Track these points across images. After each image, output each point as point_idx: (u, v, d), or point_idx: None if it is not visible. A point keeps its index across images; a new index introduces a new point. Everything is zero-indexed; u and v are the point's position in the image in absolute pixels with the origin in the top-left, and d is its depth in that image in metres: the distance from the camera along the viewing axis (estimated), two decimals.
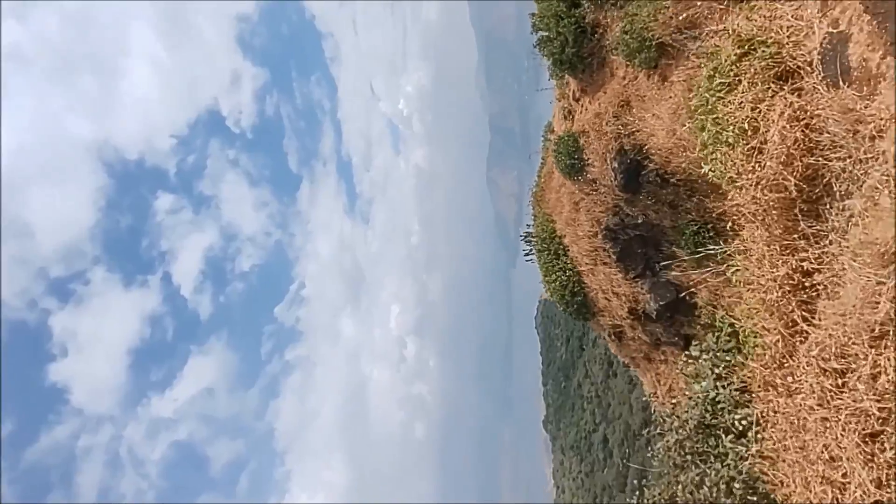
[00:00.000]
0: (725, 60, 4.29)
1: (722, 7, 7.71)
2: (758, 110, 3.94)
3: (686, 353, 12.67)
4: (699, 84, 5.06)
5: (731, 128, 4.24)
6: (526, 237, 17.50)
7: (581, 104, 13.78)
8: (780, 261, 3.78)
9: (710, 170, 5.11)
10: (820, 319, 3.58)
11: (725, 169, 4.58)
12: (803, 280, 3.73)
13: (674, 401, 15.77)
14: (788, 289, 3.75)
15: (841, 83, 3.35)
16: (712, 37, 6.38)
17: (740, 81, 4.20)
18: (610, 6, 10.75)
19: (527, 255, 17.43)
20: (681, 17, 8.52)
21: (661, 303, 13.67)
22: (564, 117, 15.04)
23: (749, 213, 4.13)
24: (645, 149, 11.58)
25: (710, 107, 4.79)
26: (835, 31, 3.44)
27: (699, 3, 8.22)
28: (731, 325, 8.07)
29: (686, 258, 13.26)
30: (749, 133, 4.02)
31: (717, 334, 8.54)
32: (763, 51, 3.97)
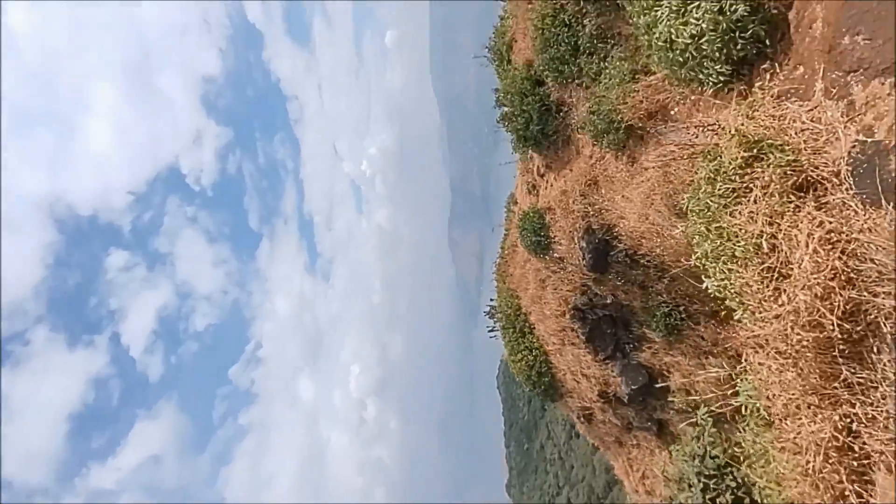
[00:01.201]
0: (730, 164, 3.74)
1: (694, 97, 7.35)
2: (776, 226, 3.34)
3: (669, 450, 11.75)
4: (697, 185, 4.50)
5: (742, 243, 3.63)
6: (490, 313, 16.65)
7: (546, 180, 13.43)
8: (821, 416, 3.07)
9: (714, 287, 4.46)
10: (881, 499, 2.83)
11: (738, 292, 3.94)
12: (850, 442, 3.01)
13: (647, 489, 14.74)
14: (834, 453, 3.01)
15: (883, 202, 2.77)
16: (702, 131, 5.93)
17: (750, 190, 3.62)
18: (575, 86, 10.53)
19: (491, 331, 16.51)
20: (650, 103, 8.17)
21: (632, 387, 12.90)
22: (528, 192, 14.67)
23: (775, 351, 3.43)
24: (614, 229, 11.14)
25: (711, 214, 4.20)
26: (868, 139, 2.90)
27: (669, 90, 7.90)
28: (722, 437, 7.26)
29: (658, 340, 12.68)
30: (765, 252, 3.41)
31: (703, 442, 7.67)
32: (778, 157, 3.43)
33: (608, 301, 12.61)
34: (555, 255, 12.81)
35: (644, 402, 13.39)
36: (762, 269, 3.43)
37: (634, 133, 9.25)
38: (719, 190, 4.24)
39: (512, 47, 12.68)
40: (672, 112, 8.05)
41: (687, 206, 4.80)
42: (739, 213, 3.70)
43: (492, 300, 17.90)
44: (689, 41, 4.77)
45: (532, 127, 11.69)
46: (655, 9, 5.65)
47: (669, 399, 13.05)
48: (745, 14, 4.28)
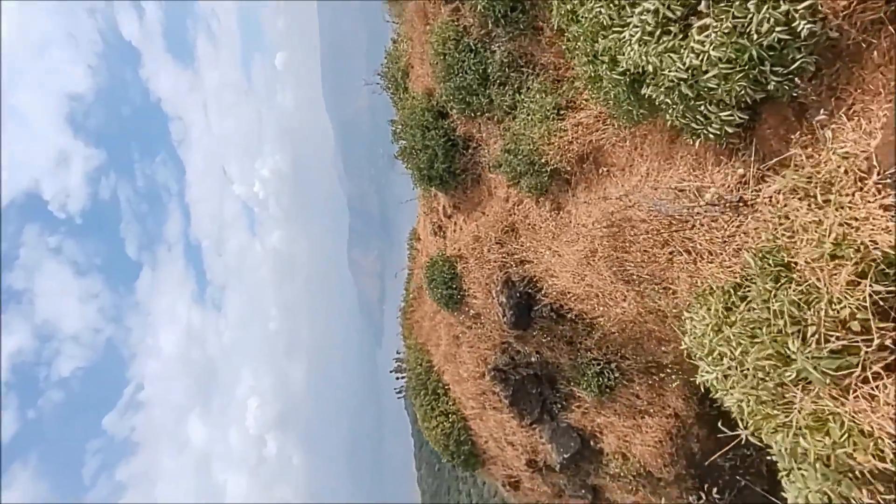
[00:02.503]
0: (762, 290, 2.29)
1: (638, 139, 5.87)
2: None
3: None
4: (705, 299, 3.01)
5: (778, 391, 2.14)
6: (398, 369, 14.52)
7: (454, 222, 11.70)
8: None
9: (750, 430, 3.01)
10: None
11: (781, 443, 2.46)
12: None
13: None
14: None
15: None
16: (729, 208, 4.40)
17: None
18: (485, 119, 8.91)
19: (399, 392, 14.38)
20: (581, 145, 6.63)
21: (564, 455, 11.43)
22: (434, 233, 12.86)
23: None
24: (537, 282, 9.62)
25: (735, 343, 2.68)
26: None
27: (604, 129, 6.40)
28: None
29: (588, 399, 11.35)
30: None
31: None
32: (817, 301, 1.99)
33: (532, 360, 11.09)
34: (469, 310, 11.07)
35: (577, 467, 11.99)
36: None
37: (558, 176, 7.77)
38: (742, 317, 2.68)
39: (408, 74, 10.89)
40: (608, 157, 6.60)
41: (698, 322, 3.21)
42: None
43: (398, 353, 15.82)
44: (683, 76, 3.22)
45: (437, 165, 9.92)
46: (610, 31, 4.03)
47: (604, 462, 11.78)
48: (788, 37, 2.81)
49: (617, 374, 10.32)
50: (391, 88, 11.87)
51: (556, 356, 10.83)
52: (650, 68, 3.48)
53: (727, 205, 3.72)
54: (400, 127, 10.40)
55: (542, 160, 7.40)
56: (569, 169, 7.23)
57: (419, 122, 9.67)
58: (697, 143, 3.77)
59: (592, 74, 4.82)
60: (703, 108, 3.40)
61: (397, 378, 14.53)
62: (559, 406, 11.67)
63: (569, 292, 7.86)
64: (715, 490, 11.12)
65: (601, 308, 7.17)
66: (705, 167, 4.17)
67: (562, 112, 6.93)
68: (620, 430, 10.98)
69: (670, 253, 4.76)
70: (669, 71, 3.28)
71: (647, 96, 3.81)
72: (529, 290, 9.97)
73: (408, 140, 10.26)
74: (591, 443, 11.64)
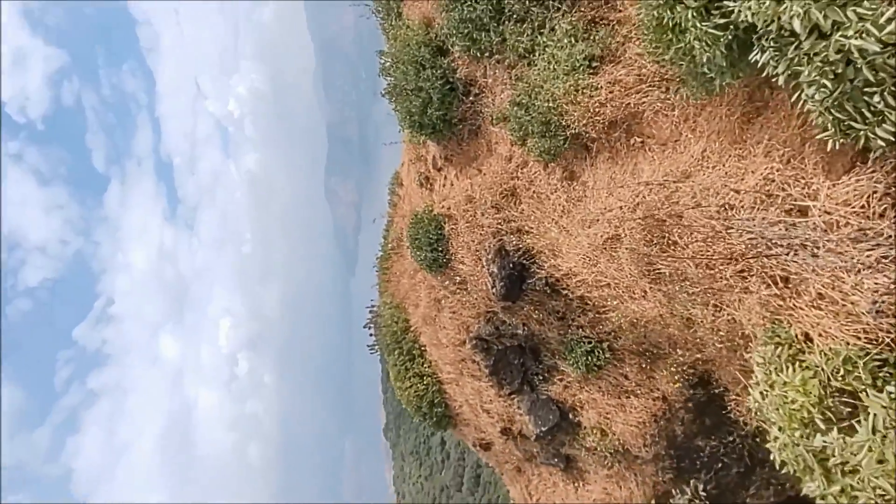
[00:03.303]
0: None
1: (694, 105, 4.76)
2: None
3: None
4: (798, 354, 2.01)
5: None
6: (372, 323, 13.69)
7: (444, 175, 10.48)
8: None
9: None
10: None
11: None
12: None
13: None
14: None
15: None
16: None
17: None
18: (494, 62, 7.54)
19: (371, 347, 13.62)
20: (615, 109, 5.46)
21: (542, 428, 10.96)
22: (420, 184, 11.63)
23: None
24: (534, 255, 8.65)
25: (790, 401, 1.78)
26: None
27: (650, 93, 5.23)
28: None
29: (572, 374, 10.75)
30: None
31: None
32: None
33: (518, 331, 10.32)
34: (455, 276, 10.11)
35: (552, 437, 11.60)
36: None
37: (577, 141, 6.59)
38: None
39: None
40: (647, 126, 5.46)
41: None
42: None
43: (372, 303, 14.94)
44: (875, 48, 2.10)
45: (431, 111, 8.59)
46: None
47: (581, 435, 11.39)
48: None
49: (608, 354, 9.66)
50: (382, 12, 10.20)
51: (544, 330, 10.07)
52: (794, 24, 2.31)
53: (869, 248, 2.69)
54: (390, 61, 8.91)
55: (562, 121, 6.20)
56: (593, 135, 6.05)
57: (413, 58, 8.22)
58: (836, 145, 2.70)
59: (659, 20, 3.59)
60: (878, 100, 2.31)
61: (370, 334, 13.72)
62: (541, 378, 11.08)
63: (575, 275, 6.90)
64: (694, 470, 10.92)
65: (613, 301, 6.26)
66: (813, 169, 3.10)
67: (595, 64, 5.67)
68: (603, 407, 10.49)
69: (740, 272, 3.77)
70: (848, 38, 2.15)
71: (754, 63, 2.68)
72: (523, 262, 9.02)
73: (398, 78, 8.82)
74: (570, 416, 11.19)
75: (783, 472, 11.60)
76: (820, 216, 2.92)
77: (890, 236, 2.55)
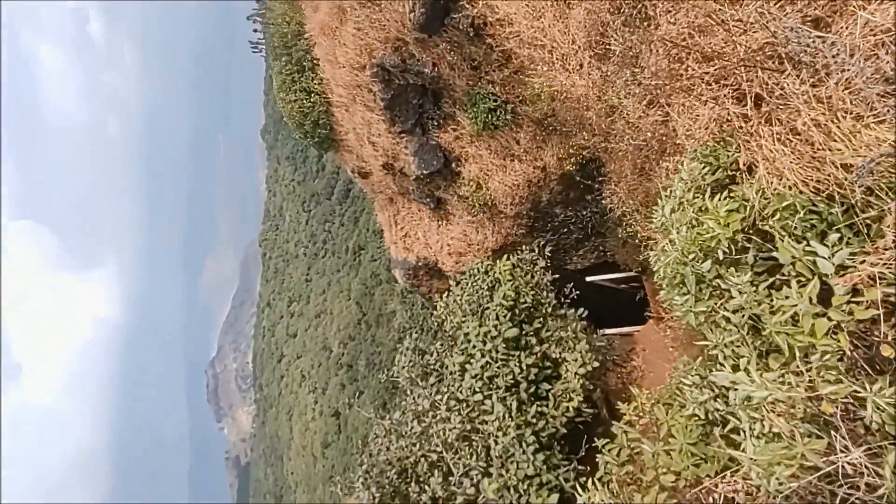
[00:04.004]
0: None
1: None
2: None
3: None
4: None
5: None
6: (258, 17, 11.72)
7: None
8: None
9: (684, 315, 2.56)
10: None
11: None
12: None
13: (409, 255, 14.75)
14: None
15: None
16: None
17: None
18: None
19: (254, 46, 11.94)
20: None
21: (424, 171, 11.14)
22: None
23: None
24: None
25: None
26: None
27: None
28: None
29: (467, 128, 10.54)
30: None
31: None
32: None
33: (425, 70, 9.45)
34: None
35: (431, 179, 11.95)
36: None
37: None
38: None
39: None
40: None
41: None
42: None
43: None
44: None
45: None
46: None
47: (458, 184, 11.87)
48: None
49: (509, 117, 9.47)
50: None
51: (453, 76, 9.37)
52: None
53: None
54: None
55: None
56: None
57: None
58: None
59: None
60: None
61: (255, 30, 11.74)
62: (435, 124, 10.79)
63: (510, 24, 6.07)
64: (544, 230, 12.31)
65: (542, 66, 5.70)
66: None
67: None
68: (486, 164, 10.79)
69: (715, 77, 3.30)
70: None
71: None
72: None
73: None
74: (453, 165, 11.43)
75: (610, 242, 13.38)
76: (846, 38, 2.52)
77: None
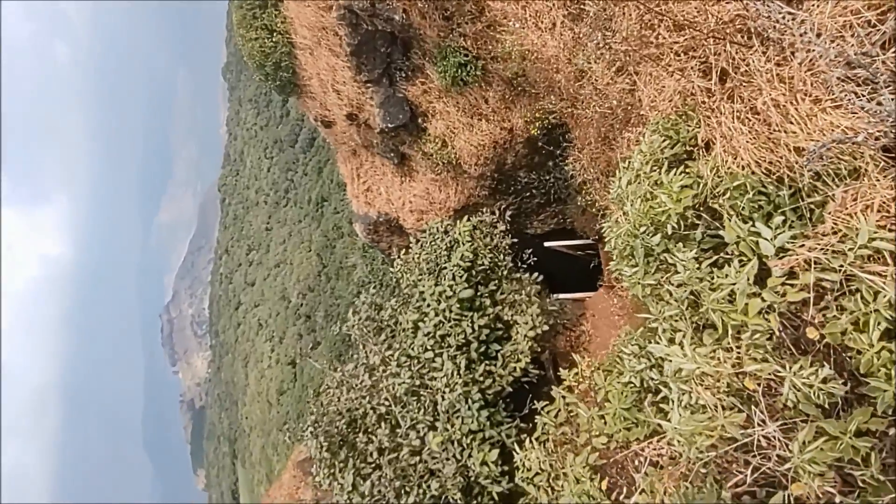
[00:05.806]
0: None
1: None
2: None
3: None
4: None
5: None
6: None
7: None
8: None
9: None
10: None
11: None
12: None
13: (370, 209, 14.51)
14: None
15: None
16: None
17: None
18: None
19: None
20: None
21: (389, 125, 10.83)
22: None
23: None
24: None
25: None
26: None
27: None
28: None
29: (436, 82, 10.22)
30: None
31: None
32: None
33: (396, 17, 9.03)
34: None
35: (396, 134, 11.65)
36: None
37: None
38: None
39: None
40: None
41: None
42: None
43: None
44: None
45: None
46: None
47: (423, 140, 11.61)
48: None
49: (478, 73, 9.22)
50: None
51: (424, 25, 9.00)
52: None
53: None
54: None
55: None
56: None
57: None
58: None
59: None
60: None
61: None
62: (403, 75, 10.43)
63: None
64: (507, 193, 12.27)
65: (515, 23, 5.50)
66: None
67: None
68: (453, 121, 10.57)
69: (685, 48, 3.23)
70: None
71: None
72: None
73: None
74: (420, 120, 11.15)
75: (570, 209, 13.48)
76: (815, 17, 2.48)
77: (884, 74, 2.28)
